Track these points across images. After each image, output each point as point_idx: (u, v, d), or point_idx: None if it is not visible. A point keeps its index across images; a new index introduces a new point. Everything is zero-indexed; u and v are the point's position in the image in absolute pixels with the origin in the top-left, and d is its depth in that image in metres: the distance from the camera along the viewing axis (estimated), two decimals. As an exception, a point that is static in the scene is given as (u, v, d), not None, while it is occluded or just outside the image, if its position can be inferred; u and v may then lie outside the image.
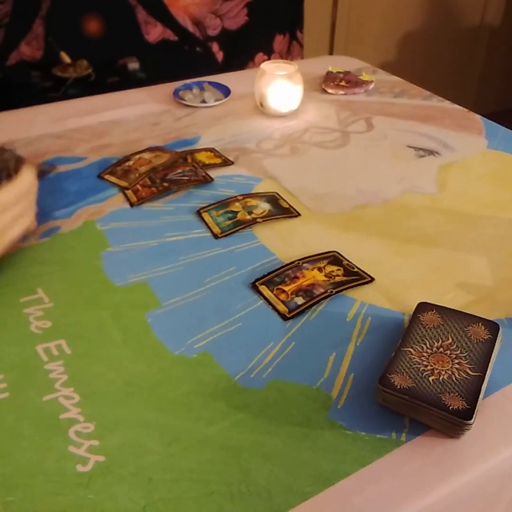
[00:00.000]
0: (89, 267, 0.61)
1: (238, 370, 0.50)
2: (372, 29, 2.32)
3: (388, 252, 0.64)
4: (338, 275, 0.60)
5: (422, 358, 0.47)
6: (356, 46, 2.31)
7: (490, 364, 0.47)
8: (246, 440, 0.44)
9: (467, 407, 0.43)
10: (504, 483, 0.47)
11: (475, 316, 0.51)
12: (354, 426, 0.45)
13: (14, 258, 0.61)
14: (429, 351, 0.48)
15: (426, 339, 0.49)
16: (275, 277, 0.60)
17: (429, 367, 0.47)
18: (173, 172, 0.77)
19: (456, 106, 0.98)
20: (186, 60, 1.17)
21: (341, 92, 1.02)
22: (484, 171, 0.80)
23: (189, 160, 0.80)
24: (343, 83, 1.03)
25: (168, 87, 1.00)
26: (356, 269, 0.61)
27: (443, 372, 0.46)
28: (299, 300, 0.57)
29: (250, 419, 0.46)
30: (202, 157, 0.81)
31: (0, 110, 0.92)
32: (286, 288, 0.58)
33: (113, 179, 0.76)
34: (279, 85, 0.90)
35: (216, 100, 0.97)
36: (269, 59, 1.26)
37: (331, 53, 2.27)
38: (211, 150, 0.83)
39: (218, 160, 0.81)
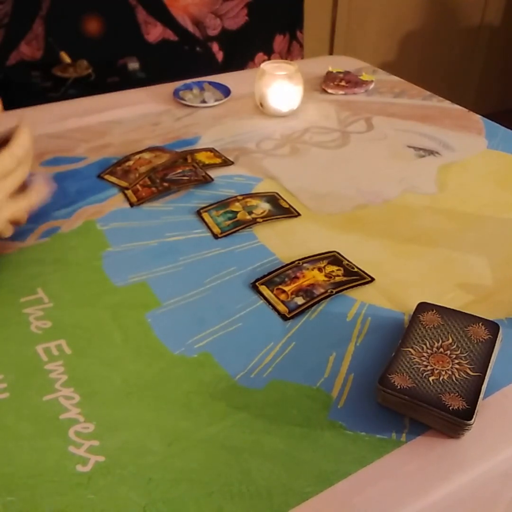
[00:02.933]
0: (89, 267, 0.61)
1: (238, 370, 0.50)
2: (372, 29, 2.32)
3: (388, 252, 0.64)
4: (338, 275, 0.60)
5: (422, 358, 0.47)
6: (356, 46, 2.31)
7: (490, 364, 0.47)
8: (246, 440, 0.44)
9: (467, 407, 0.43)
10: (504, 483, 0.47)
11: (475, 316, 0.51)
12: (354, 426, 0.45)
13: (14, 258, 0.61)
14: (429, 351, 0.48)
15: (426, 339, 0.49)
16: (275, 277, 0.60)
17: (429, 367, 0.47)
18: (173, 172, 0.77)
19: (456, 106, 0.98)
20: (186, 60, 1.17)
21: (341, 92, 1.02)
22: (484, 171, 0.80)
23: (189, 160, 0.80)
24: (343, 83, 1.03)
25: (168, 87, 1.00)
26: (356, 269, 0.61)
27: (443, 372, 0.46)
28: (299, 300, 0.57)
29: (250, 419, 0.46)
30: (202, 157, 0.81)
31: (0, 110, 0.92)
32: (286, 288, 0.58)
33: (113, 179, 0.76)
34: (279, 85, 0.90)
35: (216, 100, 0.96)
36: (269, 59, 1.26)
37: (331, 53, 2.27)
38: (211, 150, 0.83)
39: (218, 160, 0.81)
